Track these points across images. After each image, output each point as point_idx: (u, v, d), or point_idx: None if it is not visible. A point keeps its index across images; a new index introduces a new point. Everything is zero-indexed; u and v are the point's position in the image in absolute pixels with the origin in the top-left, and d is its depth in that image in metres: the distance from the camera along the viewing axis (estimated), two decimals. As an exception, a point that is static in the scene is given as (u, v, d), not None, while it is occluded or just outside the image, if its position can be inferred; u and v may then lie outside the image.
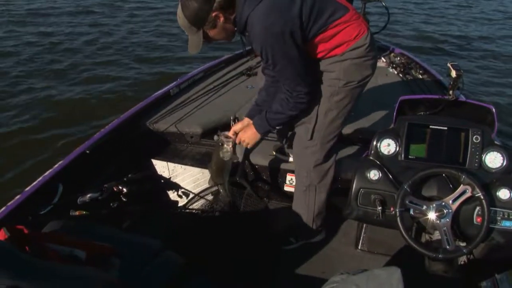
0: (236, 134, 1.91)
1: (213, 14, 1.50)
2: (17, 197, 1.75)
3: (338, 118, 1.77)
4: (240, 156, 2.25)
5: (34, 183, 1.85)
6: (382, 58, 3.44)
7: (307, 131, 1.81)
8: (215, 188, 2.31)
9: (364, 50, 1.63)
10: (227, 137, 1.91)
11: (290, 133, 2.19)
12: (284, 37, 1.48)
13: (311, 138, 1.81)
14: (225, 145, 1.90)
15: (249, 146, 1.94)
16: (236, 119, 1.94)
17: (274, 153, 2.33)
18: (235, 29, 1.60)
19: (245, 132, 1.87)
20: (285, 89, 1.66)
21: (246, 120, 1.95)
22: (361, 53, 1.63)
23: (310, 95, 1.68)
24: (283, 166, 2.31)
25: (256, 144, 2.45)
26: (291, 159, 2.30)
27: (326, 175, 1.90)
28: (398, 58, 3.46)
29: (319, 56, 1.68)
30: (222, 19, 1.53)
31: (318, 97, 1.74)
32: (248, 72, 3.18)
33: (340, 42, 1.62)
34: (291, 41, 1.50)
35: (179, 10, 1.52)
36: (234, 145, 1.92)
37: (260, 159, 2.33)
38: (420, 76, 3.17)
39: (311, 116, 1.78)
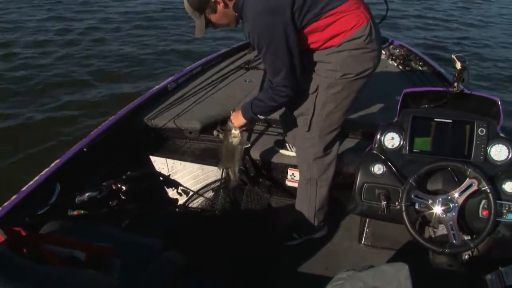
0: None
1: (213, 0, 1.56)
2: (13, 197, 1.72)
3: (337, 111, 1.73)
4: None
5: (31, 182, 1.81)
6: (382, 51, 3.40)
7: (306, 122, 1.79)
8: (215, 185, 2.28)
9: (362, 41, 1.58)
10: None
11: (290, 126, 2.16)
12: (272, 25, 1.50)
13: (309, 129, 1.79)
14: (232, 130, 1.88)
15: (236, 126, 1.89)
16: (226, 123, 1.92)
17: (276, 148, 2.30)
18: (237, 15, 1.62)
19: (233, 115, 1.87)
20: (268, 78, 1.66)
21: None
22: (359, 44, 1.58)
23: (290, 90, 1.64)
24: (285, 160, 2.28)
25: (258, 138, 2.43)
26: (292, 153, 2.27)
27: (328, 169, 1.87)
28: (398, 50, 3.43)
29: (314, 46, 1.65)
30: (221, 4, 1.58)
31: (316, 87, 1.72)
32: (247, 66, 3.15)
33: (336, 33, 1.58)
34: (279, 30, 1.50)
35: None
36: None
37: (261, 154, 2.30)
38: (420, 68, 3.15)
39: (309, 107, 1.75)
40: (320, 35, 1.60)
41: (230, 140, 1.90)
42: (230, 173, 2.04)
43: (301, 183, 1.97)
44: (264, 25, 1.51)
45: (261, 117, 1.82)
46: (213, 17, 1.63)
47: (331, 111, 1.73)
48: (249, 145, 2.01)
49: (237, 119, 1.85)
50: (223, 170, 2.31)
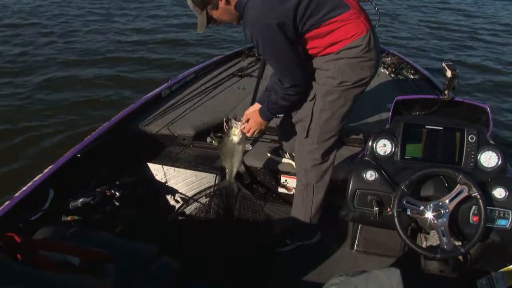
0: (247, 120, 1.91)
1: None
2: (6, 203, 1.71)
3: (334, 119, 1.76)
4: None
5: (24, 188, 1.80)
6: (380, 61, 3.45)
7: (304, 129, 1.81)
8: (209, 191, 2.28)
9: (360, 51, 1.60)
10: (237, 121, 1.90)
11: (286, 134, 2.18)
12: (273, 28, 1.51)
13: (307, 136, 1.81)
14: (233, 128, 1.89)
15: (256, 134, 1.92)
16: (229, 121, 1.92)
17: (269, 154, 2.31)
18: (238, 14, 1.64)
19: (252, 118, 1.89)
20: (277, 78, 1.70)
21: (257, 105, 1.93)
22: (357, 53, 1.61)
23: (299, 88, 1.68)
24: (277, 167, 2.29)
25: (251, 146, 2.44)
26: (285, 160, 2.29)
27: (324, 175, 1.89)
28: (389, 58, 3.47)
29: (313, 52, 1.67)
30: (223, 1, 1.59)
31: (314, 94, 1.74)
32: (240, 73, 3.17)
33: (336, 40, 1.60)
34: (280, 34, 1.52)
35: None
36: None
37: (254, 161, 2.32)
38: (412, 76, 3.19)
39: (307, 114, 1.77)
40: (320, 41, 1.62)
41: (230, 139, 1.91)
42: (227, 173, 2.04)
43: (298, 189, 1.98)
44: (266, 29, 1.52)
45: (279, 116, 1.87)
46: (215, 14, 1.64)
47: (329, 118, 1.75)
48: (251, 147, 2.02)
49: (256, 122, 1.87)
50: (216, 177, 2.32)
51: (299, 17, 1.53)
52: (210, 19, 1.66)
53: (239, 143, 1.92)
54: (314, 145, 1.81)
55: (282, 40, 1.54)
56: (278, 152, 2.29)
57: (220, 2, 1.59)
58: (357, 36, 1.58)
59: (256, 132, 1.92)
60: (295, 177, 2.14)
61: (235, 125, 1.89)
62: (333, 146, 1.85)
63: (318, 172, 1.87)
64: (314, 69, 1.73)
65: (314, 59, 1.71)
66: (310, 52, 1.68)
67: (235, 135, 1.90)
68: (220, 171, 2.29)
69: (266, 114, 1.84)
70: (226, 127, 1.92)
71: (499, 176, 1.61)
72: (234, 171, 2.01)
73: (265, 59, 1.71)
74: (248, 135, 1.93)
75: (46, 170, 1.93)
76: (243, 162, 2.30)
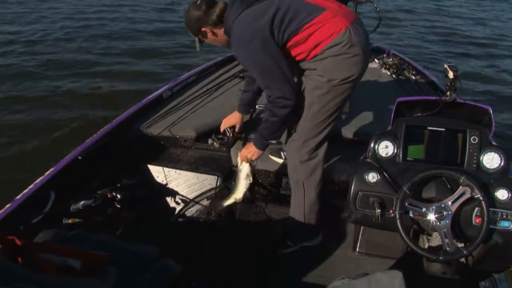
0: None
1: (202, 29, 1.74)
2: (8, 205, 1.70)
3: (321, 114, 1.77)
4: (234, 160, 2.23)
5: (25, 191, 1.80)
6: (375, 60, 3.44)
7: (292, 124, 1.84)
8: (211, 193, 2.28)
9: (342, 47, 1.62)
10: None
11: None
12: (253, 45, 1.60)
13: (295, 130, 1.84)
14: (240, 166, 1.95)
15: (251, 158, 1.93)
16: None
17: (270, 156, 2.31)
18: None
19: (246, 149, 1.92)
20: (266, 95, 1.75)
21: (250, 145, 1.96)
22: (340, 50, 1.63)
23: (288, 101, 1.68)
24: (279, 169, 2.29)
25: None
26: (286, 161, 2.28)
27: (314, 171, 1.90)
28: (391, 59, 3.46)
29: (301, 57, 1.71)
30: (210, 33, 1.75)
31: (302, 89, 1.78)
32: (241, 75, 3.15)
33: (317, 42, 1.64)
34: (261, 50, 1.60)
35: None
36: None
37: (256, 163, 2.30)
38: (413, 77, 3.18)
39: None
40: (303, 47, 1.67)
41: (242, 178, 1.95)
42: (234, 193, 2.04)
43: (292, 186, 2.00)
44: (247, 48, 1.63)
45: (273, 141, 1.90)
46: (206, 40, 1.80)
47: (316, 112, 1.76)
48: (256, 163, 2.05)
49: (251, 153, 1.90)
50: (217, 179, 2.31)
51: (276, 29, 1.61)
52: (202, 42, 1.82)
53: (245, 178, 1.95)
54: (301, 140, 1.83)
55: (263, 55, 1.62)
56: (279, 153, 2.29)
57: (208, 33, 1.75)
58: (336, 34, 1.61)
59: (254, 158, 1.94)
60: None
61: (243, 164, 1.94)
62: (321, 142, 1.86)
63: (306, 168, 1.88)
64: (303, 70, 1.77)
65: (302, 63, 1.75)
66: (297, 58, 1.73)
67: (244, 172, 1.95)
68: (222, 173, 2.29)
69: (260, 142, 1.86)
70: (228, 131, 1.92)
71: (502, 177, 1.61)
72: (239, 198, 2.01)
73: (255, 76, 1.77)
74: (241, 160, 1.96)
75: (47, 173, 1.93)
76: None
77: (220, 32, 1.73)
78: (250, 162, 1.94)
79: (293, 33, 1.62)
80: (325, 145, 1.89)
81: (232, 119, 2.24)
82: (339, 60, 1.65)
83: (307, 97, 1.76)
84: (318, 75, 1.70)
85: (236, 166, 2.02)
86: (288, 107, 1.69)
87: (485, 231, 1.48)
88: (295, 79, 1.76)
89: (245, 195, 1.99)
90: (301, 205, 1.96)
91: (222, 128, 2.28)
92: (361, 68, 1.70)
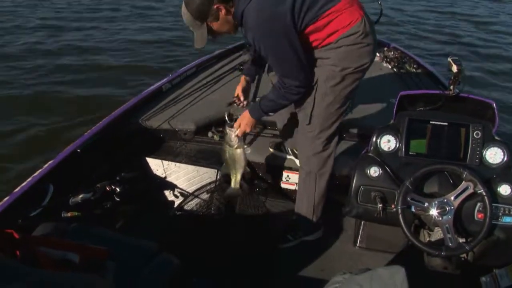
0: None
1: (215, 7, 1.57)
2: (6, 199, 1.69)
3: (336, 103, 1.76)
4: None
5: (23, 184, 1.79)
6: (377, 53, 3.42)
7: (306, 116, 1.81)
8: (210, 186, 2.27)
9: (358, 37, 1.63)
10: (231, 127, 1.89)
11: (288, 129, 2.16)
12: (274, 32, 1.55)
13: (309, 122, 1.81)
14: (228, 135, 1.89)
15: (247, 130, 1.89)
16: (231, 115, 1.91)
17: (271, 149, 2.29)
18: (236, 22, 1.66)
19: (243, 121, 1.88)
20: (279, 79, 1.71)
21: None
22: (355, 40, 1.63)
23: (302, 88, 1.69)
24: (280, 163, 2.27)
25: (253, 140, 2.42)
26: (288, 156, 2.27)
27: (326, 162, 1.89)
28: (392, 53, 3.44)
29: (314, 44, 1.69)
30: (223, 11, 1.59)
31: (315, 80, 1.75)
32: (241, 67, 3.12)
33: (333, 30, 1.63)
34: (281, 36, 1.55)
35: (183, 8, 1.60)
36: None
37: (256, 156, 2.29)
38: (414, 70, 3.16)
39: (309, 101, 1.78)
40: (318, 34, 1.65)
41: (228, 145, 1.90)
42: (232, 180, 2.01)
43: (301, 177, 1.98)
44: (267, 32, 1.56)
45: (271, 114, 1.85)
46: (215, 25, 1.63)
47: (331, 102, 1.75)
48: (249, 150, 2.00)
49: (245, 121, 1.86)
50: (218, 172, 2.30)
51: (296, 15, 1.56)
52: (209, 32, 1.65)
53: (237, 147, 1.90)
54: (315, 131, 1.82)
55: (284, 40, 1.57)
56: (280, 147, 2.27)
57: (220, 12, 1.59)
58: (353, 23, 1.61)
59: (247, 130, 1.90)
60: (297, 172, 2.12)
61: (229, 131, 1.88)
62: (334, 133, 1.85)
63: (320, 159, 1.87)
64: (315, 59, 1.74)
65: (315, 50, 1.72)
66: (311, 45, 1.70)
67: (232, 141, 1.89)
68: (222, 166, 2.28)
69: (257, 112, 1.83)
70: (228, 121, 1.90)
71: (505, 172, 1.59)
72: (239, 176, 1.98)
73: (269, 62, 1.73)
74: (239, 135, 1.90)
75: (45, 166, 1.91)
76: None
77: (232, 11, 1.60)
78: (243, 148, 1.91)
79: (311, 20, 1.59)
80: (336, 137, 1.89)
81: (245, 85, 2.10)
82: (354, 49, 1.65)
83: (321, 88, 1.73)
84: (331, 64, 1.68)
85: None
86: (300, 94, 1.72)
87: (487, 226, 1.47)
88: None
89: (241, 183, 1.97)
90: (311, 197, 1.95)
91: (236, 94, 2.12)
92: (372, 57, 1.72)
